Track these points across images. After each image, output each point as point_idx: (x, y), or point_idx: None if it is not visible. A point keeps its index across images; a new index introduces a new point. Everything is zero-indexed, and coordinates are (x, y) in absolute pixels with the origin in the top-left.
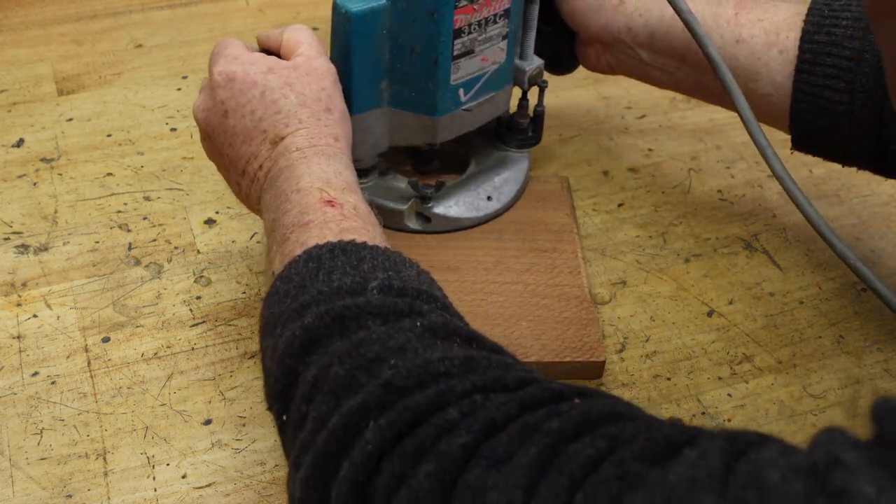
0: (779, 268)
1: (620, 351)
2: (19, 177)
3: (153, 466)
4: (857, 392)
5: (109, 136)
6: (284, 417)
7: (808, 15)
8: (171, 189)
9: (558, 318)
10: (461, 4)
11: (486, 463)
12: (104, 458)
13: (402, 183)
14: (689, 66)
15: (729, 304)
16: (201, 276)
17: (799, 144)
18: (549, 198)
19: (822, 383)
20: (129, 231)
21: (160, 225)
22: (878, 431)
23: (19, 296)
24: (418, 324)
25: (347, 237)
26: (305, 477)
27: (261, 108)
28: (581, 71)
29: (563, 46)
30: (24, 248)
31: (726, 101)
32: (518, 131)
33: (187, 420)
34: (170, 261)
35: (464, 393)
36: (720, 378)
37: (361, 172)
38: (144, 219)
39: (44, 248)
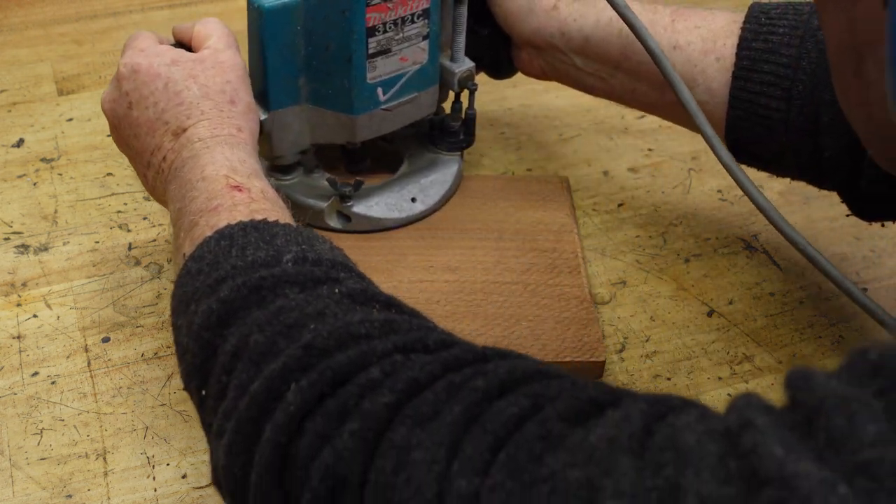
0: (779, 268)
1: (620, 351)
2: (19, 177)
3: (153, 466)
4: None
5: (109, 136)
6: (203, 392)
7: (745, 22)
8: None
9: (558, 318)
10: (374, 2)
11: (410, 421)
12: (104, 458)
13: (327, 181)
14: (623, 74)
15: (729, 304)
16: None
17: (733, 153)
18: (549, 198)
19: None
20: (129, 231)
21: (160, 225)
22: (790, 397)
23: (19, 296)
24: (336, 290)
25: (258, 217)
26: (229, 443)
27: (164, 99)
28: None
29: (501, 50)
30: (24, 248)
31: (659, 109)
32: (449, 133)
33: (187, 420)
34: (170, 261)
35: (385, 353)
36: (720, 378)
37: (285, 169)
38: (144, 219)
39: (44, 248)
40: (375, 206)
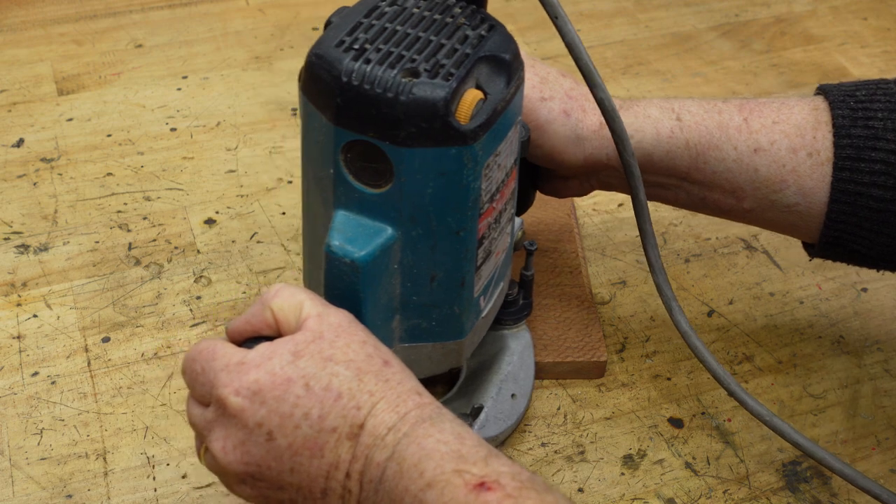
0: (779, 268)
1: (620, 351)
2: (19, 177)
3: (153, 466)
4: (857, 392)
5: (109, 136)
6: None
7: (833, 109)
8: (171, 189)
9: (559, 318)
10: (485, 208)
11: None
12: (104, 458)
13: None
14: (691, 184)
15: (729, 304)
16: (201, 276)
17: (826, 250)
18: (550, 198)
19: (822, 383)
20: (129, 231)
21: (160, 225)
22: None
23: (19, 296)
24: None
25: None
26: None
27: (315, 404)
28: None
29: (528, 187)
30: (24, 248)
31: (735, 214)
32: (507, 304)
33: (187, 420)
34: (170, 261)
35: None
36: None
37: None
38: (144, 219)
39: (44, 248)
40: (487, 426)
